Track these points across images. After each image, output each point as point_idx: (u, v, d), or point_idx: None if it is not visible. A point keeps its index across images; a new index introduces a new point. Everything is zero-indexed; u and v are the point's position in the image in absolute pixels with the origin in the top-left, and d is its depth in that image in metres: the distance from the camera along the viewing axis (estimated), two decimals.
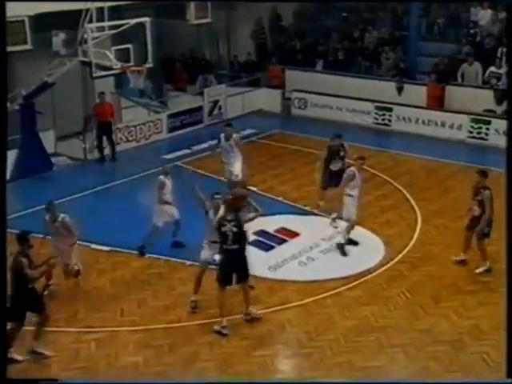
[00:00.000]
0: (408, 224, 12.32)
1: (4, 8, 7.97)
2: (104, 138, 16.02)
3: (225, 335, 8.96)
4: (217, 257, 9.34)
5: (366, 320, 9.39)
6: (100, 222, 11.94)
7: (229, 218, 8.85)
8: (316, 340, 8.95)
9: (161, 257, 11.21)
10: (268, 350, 8.77)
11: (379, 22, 20.80)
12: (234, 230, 8.81)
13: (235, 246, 8.87)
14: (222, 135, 12.95)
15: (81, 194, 13.99)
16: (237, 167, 12.88)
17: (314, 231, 11.85)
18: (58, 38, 14.05)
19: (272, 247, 11.42)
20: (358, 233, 11.52)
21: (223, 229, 8.86)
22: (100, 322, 9.27)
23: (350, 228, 11.31)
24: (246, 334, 9.13)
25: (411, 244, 11.53)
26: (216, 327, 9.02)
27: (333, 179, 12.01)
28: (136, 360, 8.58)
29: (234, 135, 13.04)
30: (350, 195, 11.12)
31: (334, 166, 12.18)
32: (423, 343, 8.81)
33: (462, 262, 10.63)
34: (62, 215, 9.86)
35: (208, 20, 17.39)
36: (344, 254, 11.07)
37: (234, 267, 8.99)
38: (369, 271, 10.59)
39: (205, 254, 9.53)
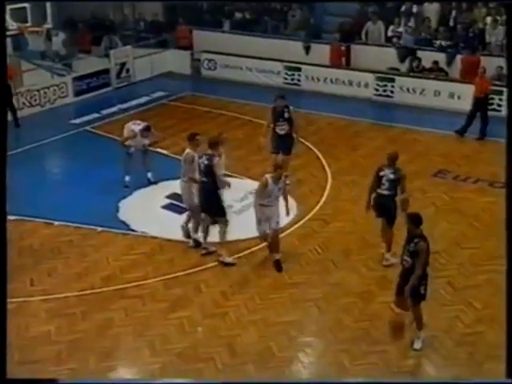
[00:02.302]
0: (318, 182, 12.55)
1: (4, 8, 7.62)
2: None
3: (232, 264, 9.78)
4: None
5: (279, 277, 9.57)
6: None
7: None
8: (231, 299, 9.07)
9: (70, 224, 10.95)
10: (184, 312, 8.81)
11: None
12: (206, 163, 9.60)
13: (205, 179, 9.68)
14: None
15: None
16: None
17: (226, 192, 11.83)
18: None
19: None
20: None
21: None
22: (8, 293, 8.96)
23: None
24: (161, 296, 9.14)
25: (322, 201, 11.77)
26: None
27: (281, 144, 11.31)
28: (47, 329, 8.43)
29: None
30: (262, 205, 9.45)
31: (280, 129, 11.70)
32: (334, 296, 9.10)
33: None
34: None
35: None
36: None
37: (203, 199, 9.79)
38: (281, 230, 10.72)
39: None
